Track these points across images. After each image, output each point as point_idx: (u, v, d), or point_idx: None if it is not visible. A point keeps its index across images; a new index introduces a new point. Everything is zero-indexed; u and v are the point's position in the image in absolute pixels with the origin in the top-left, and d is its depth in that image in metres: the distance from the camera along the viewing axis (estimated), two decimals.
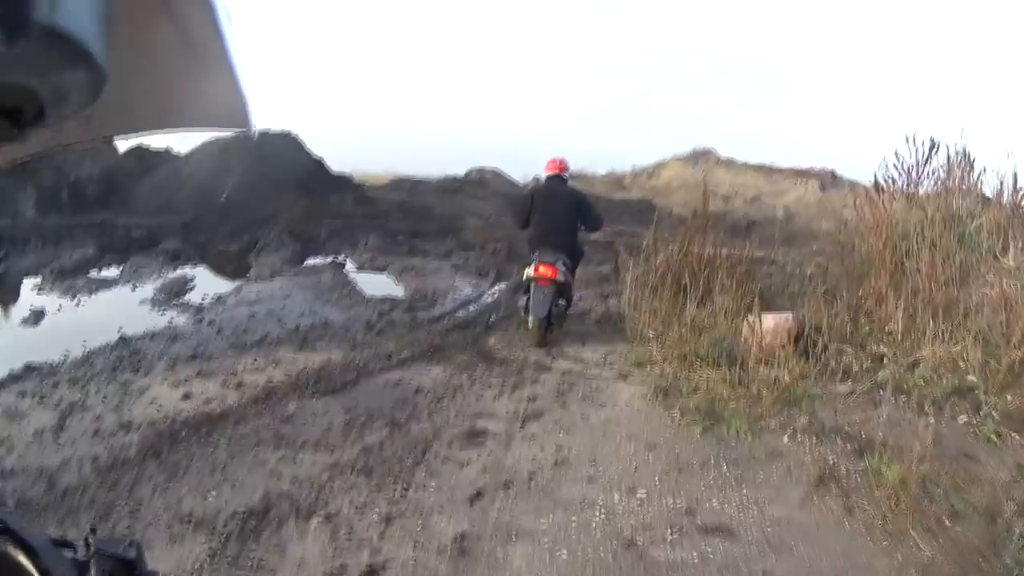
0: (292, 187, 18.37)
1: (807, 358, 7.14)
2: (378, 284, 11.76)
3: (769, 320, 7.62)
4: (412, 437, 5.77)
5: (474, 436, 5.86)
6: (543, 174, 8.62)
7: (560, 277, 7.60)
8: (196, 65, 0.73)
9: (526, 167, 28.33)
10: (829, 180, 27.39)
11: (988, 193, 9.23)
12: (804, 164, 28.36)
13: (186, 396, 6.25)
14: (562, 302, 7.95)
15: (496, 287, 11.67)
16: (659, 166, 30.40)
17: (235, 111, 0.82)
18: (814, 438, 5.80)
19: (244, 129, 0.87)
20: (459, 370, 7.41)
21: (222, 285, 11.02)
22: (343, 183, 21.08)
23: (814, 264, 9.60)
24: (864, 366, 7.17)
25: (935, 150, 9.32)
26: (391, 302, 10.23)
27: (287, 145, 20.53)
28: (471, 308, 10.32)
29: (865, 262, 8.74)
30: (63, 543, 0.92)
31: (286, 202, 17.20)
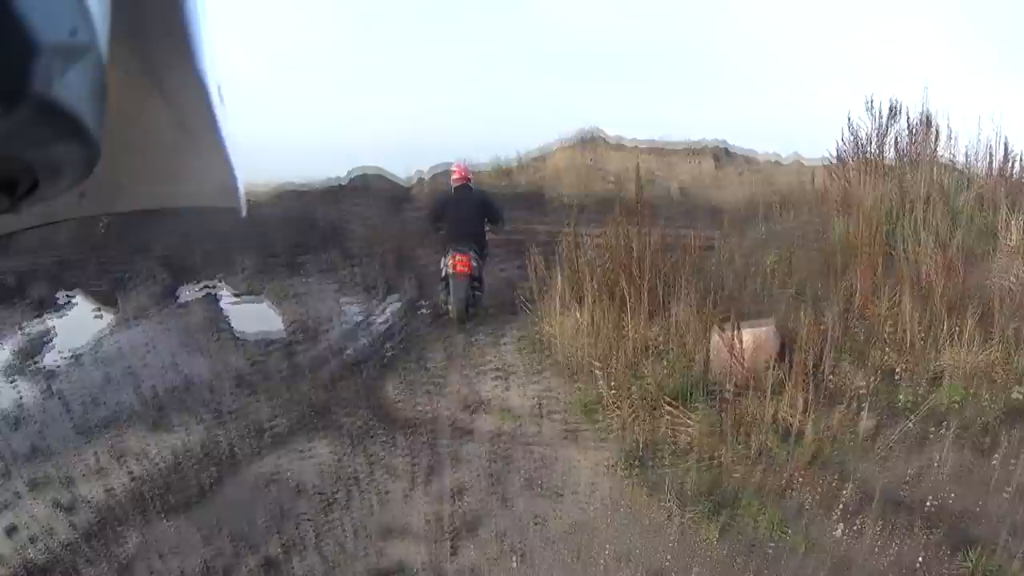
0: (170, 210, 15.94)
1: (797, 380, 5.17)
2: (254, 317, 9.41)
3: (747, 334, 5.69)
4: None
5: None
6: (451, 181, 9.52)
7: (474, 270, 8.36)
8: (187, 144, 0.77)
9: (409, 162, 26.30)
10: (723, 154, 26.14)
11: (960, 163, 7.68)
12: (696, 139, 26.84)
13: (10, 532, 4.47)
14: (478, 292, 8.62)
15: (387, 304, 9.62)
16: (546, 153, 28.52)
17: (225, 189, 0.85)
18: (875, 521, 3.88)
19: (234, 207, 0.90)
20: (352, 446, 5.40)
21: (84, 336, 8.59)
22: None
23: (773, 256, 7.55)
24: (872, 385, 5.35)
25: (895, 114, 7.74)
26: (266, 343, 8.01)
27: None
28: (360, 339, 8.16)
29: (844, 250, 6.86)
30: None
31: (164, 227, 14.89)
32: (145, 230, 14.50)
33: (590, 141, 28.10)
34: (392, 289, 10.24)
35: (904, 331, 5.73)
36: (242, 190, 0.85)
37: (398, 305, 9.41)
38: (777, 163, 25.38)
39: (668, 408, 5.39)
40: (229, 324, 8.96)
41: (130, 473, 4.96)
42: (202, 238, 14.30)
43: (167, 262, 12.31)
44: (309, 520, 4.33)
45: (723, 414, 4.94)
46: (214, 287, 11.20)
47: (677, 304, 6.57)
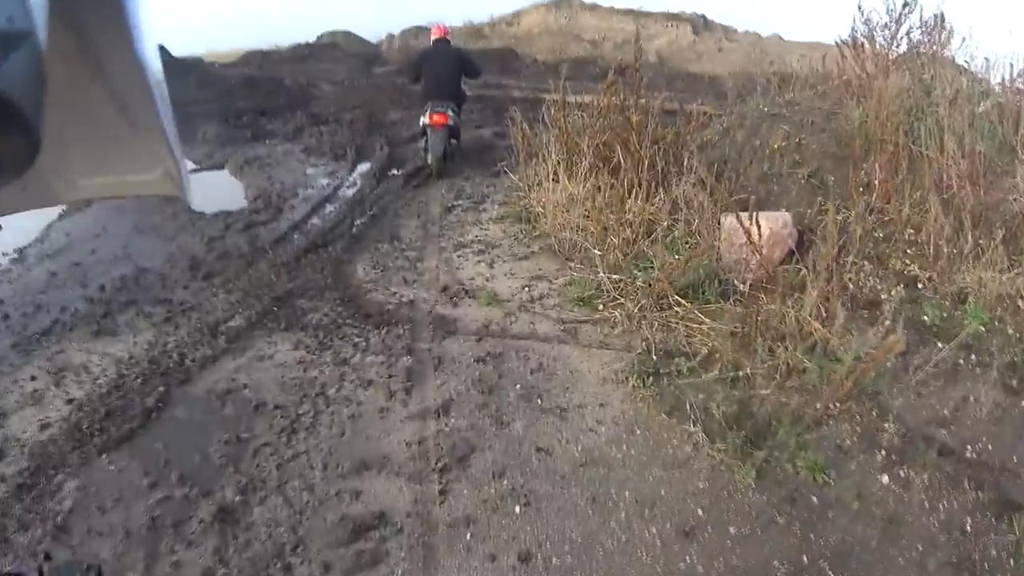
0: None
1: (821, 282, 4.39)
2: (213, 189, 8.34)
3: (763, 222, 4.98)
4: (254, 550, 3.01)
5: (359, 534, 3.05)
6: (431, 38, 9.33)
7: (451, 121, 8.30)
8: (130, 130, 0.74)
9: (378, 27, 26.12)
10: (701, 24, 24.85)
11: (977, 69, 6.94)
12: (675, 8, 25.45)
13: None
14: (454, 141, 8.71)
15: (356, 171, 8.69)
16: (519, 13, 26.88)
17: (169, 176, 0.84)
18: (917, 470, 3.34)
19: (179, 195, 0.89)
20: (319, 345, 4.62)
21: (36, 224, 7.18)
22: (186, 66, 17.44)
23: (780, 134, 6.65)
24: (894, 292, 4.73)
25: (909, 8, 6.92)
26: (225, 219, 6.97)
27: None
28: (328, 211, 7.20)
29: (864, 140, 6.05)
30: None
31: None
32: None
33: (564, 1, 26.50)
34: (362, 154, 9.35)
35: (928, 238, 5.05)
36: (187, 177, 0.83)
37: (368, 170, 8.56)
38: (756, 38, 24.25)
39: (673, 301, 4.74)
40: (187, 199, 7.87)
41: (67, 397, 4.15)
42: None
43: None
44: (271, 450, 3.61)
45: (746, 320, 4.26)
46: None
47: (680, 181, 5.80)
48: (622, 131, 6.30)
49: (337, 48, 23.36)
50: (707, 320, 4.51)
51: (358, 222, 6.73)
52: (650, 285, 4.89)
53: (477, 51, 24.51)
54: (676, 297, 4.74)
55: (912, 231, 5.23)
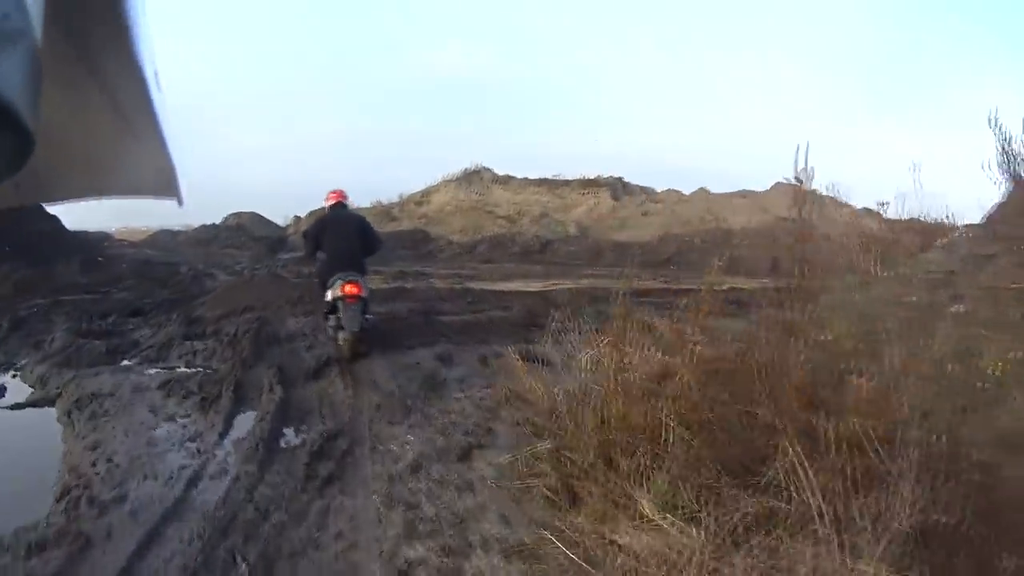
0: (11, 255, 13.48)
1: None
2: (19, 454, 5.18)
3: None
4: None
5: None
6: (325, 204, 8.24)
7: (364, 293, 7.38)
8: (124, 131, 0.73)
9: (287, 209, 26.66)
10: (620, 188, 23.65)
11: None
12: (590, 174, 24.32)
13: None
14: (369, 317, 7.68)
15: (231, 436, 5.14)
16: (429, 191, 25.35)
17: (163, 179, 0.81)
18: None
19: (172, 198, 0.85)
20: None
21: None
22: (89, 242, 16.59)
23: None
24: None
25: None
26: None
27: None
28: (167, 547, 3.93)
29: None
30: None
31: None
32: None
33: (476, 174, 25.13)
34: (243, 397, 6.08)
35: None
36: (181, 179, 0.81)
37: (250, 433, 5.04)
38: (679, 196, 23.11)
39: None
40: None
41: None
42: (38, 291, 11.02)
43: None
44: None
45: None
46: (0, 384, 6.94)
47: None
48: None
49: (243, 231, 22.13)
50: None
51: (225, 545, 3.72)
52: None
53: (387, 234, 22.87)
54: None
55: None
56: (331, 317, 7.55)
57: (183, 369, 7.21)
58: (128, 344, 8.15)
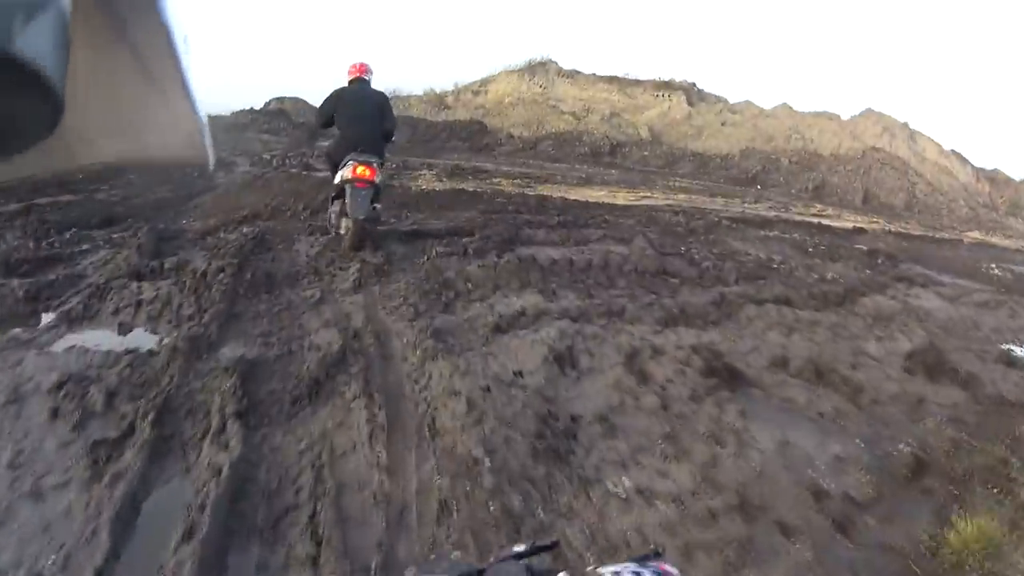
0: None
1: None
2: None
3: None
4: None
5: None
6: (348, 77, 7.11)
7: (377, 179, 6.42)
8: (154, 94, 0.71)
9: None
10: (695, 94, 21.32)
11: None
12: (663, 75, 21.95)
13: None
14: (378, 206, 6.75)
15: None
16: (487, 81, 23.13)
17: (192, 141, 0.80)
18: None
19: (201, 160, 0.87)
20: None
21: None
22: None
23: None
24: None
25: None
26: None
27: None
28: None
29: None
30: None
31: None
32: None
33: (540, 66, 22.80)
34: (167, 446, 3.05)
35: None
36: (209, 141, 0.79)
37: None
38: (760, 110, 20.68)
39: None
40: None
41: None
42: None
43: None
44: None
45: None
46: None
47: None
48: None
49: (283, 116, 20.12)
50: None
51: None
52: None
53: (440, 124, 20.91)
54: None
55: None
56: (336, 203, 6.86)
57: (105, 345, 4.28)
58: (62, 282, 5.45)
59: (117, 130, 0.77)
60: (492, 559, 1.06)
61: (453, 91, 23.10)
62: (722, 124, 19.46)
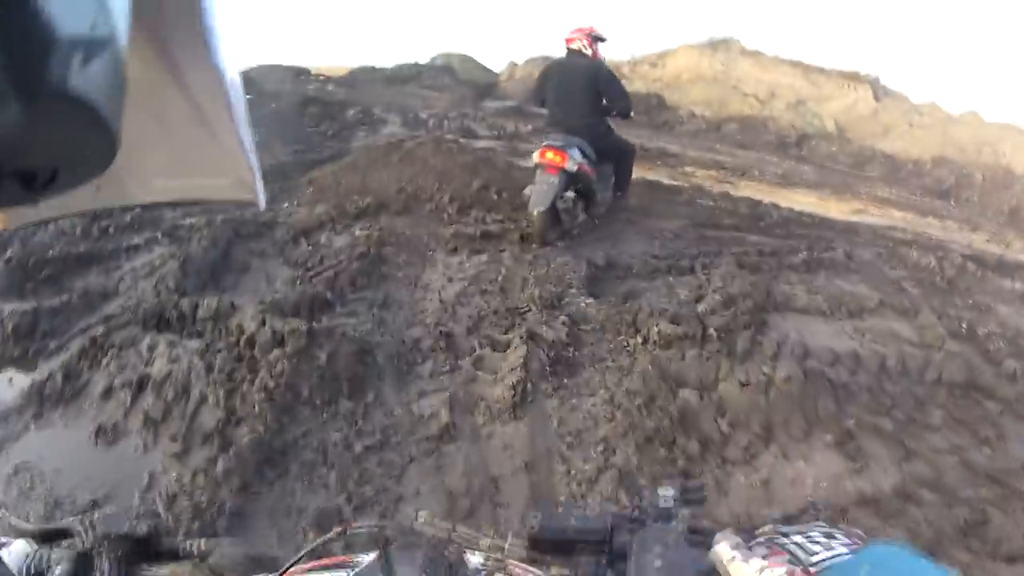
0: None
1: None
2: None
3: None
4: None
5: None
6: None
7: (570, 165, 5.86)
8: (205, 137, 0.73)
9: (502, 53, 24.15)
10: (880, 89, 20.47)
11: None
12: (847, 66, 21.16)
13: None
14: (572, 196, 6.25)
15: None
16: (665, 54, 22.82)
17: (242, 183, 0.82)
18: None
19: (252, 202, 0.86)
20: None
21: None
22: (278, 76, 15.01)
23: None
24: None
25: None
26: None
27: None
28: None
29: None
30: (57, 533, 0.91)
31: None
32: None
33: (723, 43, 22.27)
34: None
35: None
36: (260, 183, 0.80)
37: None
38: (946, 115, 19.53)
39: None
40: None
41: None
42: None
43: None
44: None
45: None
46: None
47: None
48: None
49: (449, 73, 19.90)
50: None
51: None
52: None
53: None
54: None
55: None
56: (529, 187, 6.31)
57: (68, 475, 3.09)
58: (79, 305, 4.22)
59: (170, 171, 0.80)
60: (630, 505, 0.94)
61: (629, 61, 22.93)
62: (909, 125, 18.70)
